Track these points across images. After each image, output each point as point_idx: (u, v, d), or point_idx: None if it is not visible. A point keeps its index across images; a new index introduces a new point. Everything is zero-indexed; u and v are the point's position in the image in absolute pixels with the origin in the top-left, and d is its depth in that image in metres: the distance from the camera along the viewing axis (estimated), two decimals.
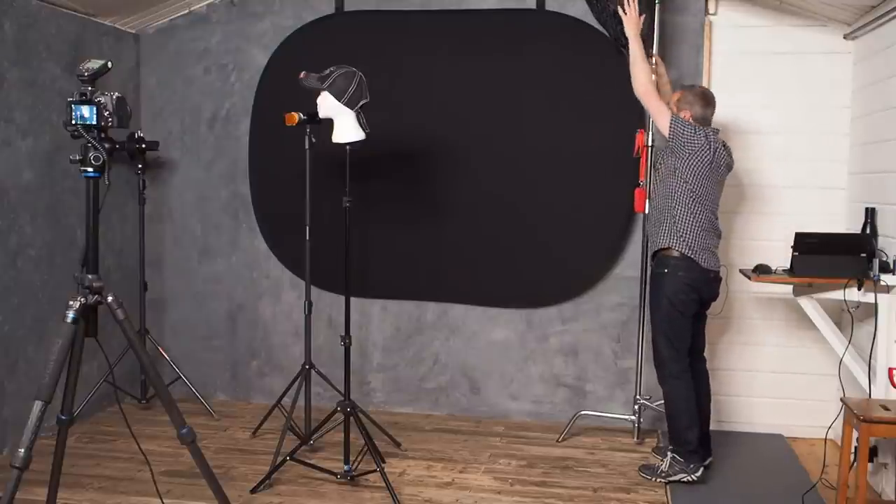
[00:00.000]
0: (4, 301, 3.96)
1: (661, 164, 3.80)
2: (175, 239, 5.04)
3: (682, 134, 3.61)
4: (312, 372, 4.10)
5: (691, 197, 3.63)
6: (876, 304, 3.58)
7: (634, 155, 4.15)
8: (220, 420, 4.61)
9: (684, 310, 3.68)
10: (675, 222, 3.65)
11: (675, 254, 3.65)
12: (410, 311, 4.82)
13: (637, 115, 4.30)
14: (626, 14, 3.81)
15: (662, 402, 3.83)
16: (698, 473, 3.68)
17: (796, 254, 3.79)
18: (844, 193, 4.34)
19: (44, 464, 2.95)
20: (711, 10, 4.41)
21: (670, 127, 3.62)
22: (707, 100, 3.72)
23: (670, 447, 3.74)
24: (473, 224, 4.63)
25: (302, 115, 3.77)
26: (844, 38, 4.28)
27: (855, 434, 3.21)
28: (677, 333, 3.70)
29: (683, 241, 3.63)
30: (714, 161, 3.63)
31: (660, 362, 3.76)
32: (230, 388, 5.03)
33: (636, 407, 4.30)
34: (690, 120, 3.68)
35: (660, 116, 3.66)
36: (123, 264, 4.83)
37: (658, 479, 3.71)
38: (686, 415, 3.69)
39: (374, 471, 3.53)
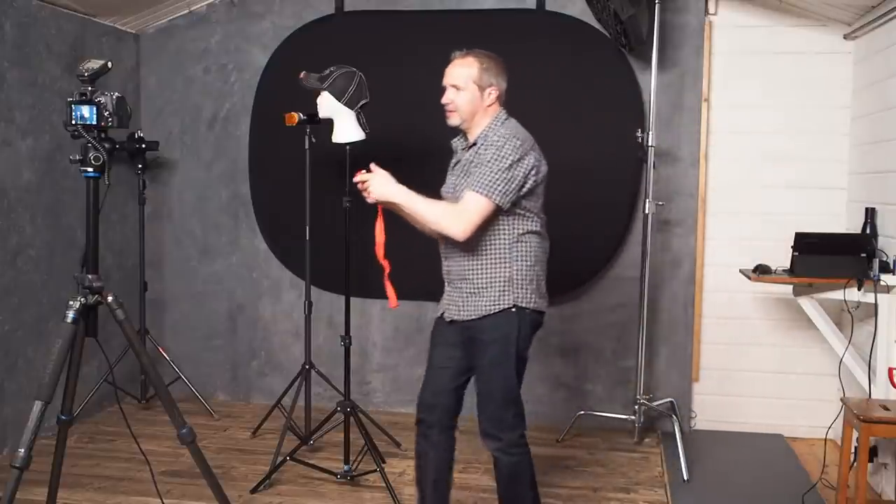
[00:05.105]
0: (4, 301, 3.96)
1: None
2: (175, 239, 5.04)
3: (512, 183, 2.84)
4: (312, 372, 4.10)
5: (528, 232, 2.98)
6: (876, 304, 3.57)
7: None
8: (220, 420, 4.61)
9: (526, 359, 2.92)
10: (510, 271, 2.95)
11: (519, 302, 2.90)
12: (410, 311, 4.81)
13: (637, 115, 4.31)
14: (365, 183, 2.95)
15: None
16: None
17: (796, 254, 3.78)
18: (844, 193, 4.34)
19: (44, 464, 2.94)
20: (711, 10, 4.41)
21: (492, 203, 2.80)
22: (505, 69, 2.93)
23: None
24: None
25: (302, 115, 3.77)
26: (844, 38, 4.28)
27: (855, 434, 3.21)
28: (518, 389, 2.91)
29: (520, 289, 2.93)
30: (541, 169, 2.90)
31: (507, 429, 2.89)
32: (230, 388, 5.03)
33: (636, 407, 4.30)
34: (496, 104, 2.92)
35: (484, 214, 2.82)
36: (123, 264, 4.83)
37: None
38: (534, 491, 2.91)
39: (374, 471, 3.53)
